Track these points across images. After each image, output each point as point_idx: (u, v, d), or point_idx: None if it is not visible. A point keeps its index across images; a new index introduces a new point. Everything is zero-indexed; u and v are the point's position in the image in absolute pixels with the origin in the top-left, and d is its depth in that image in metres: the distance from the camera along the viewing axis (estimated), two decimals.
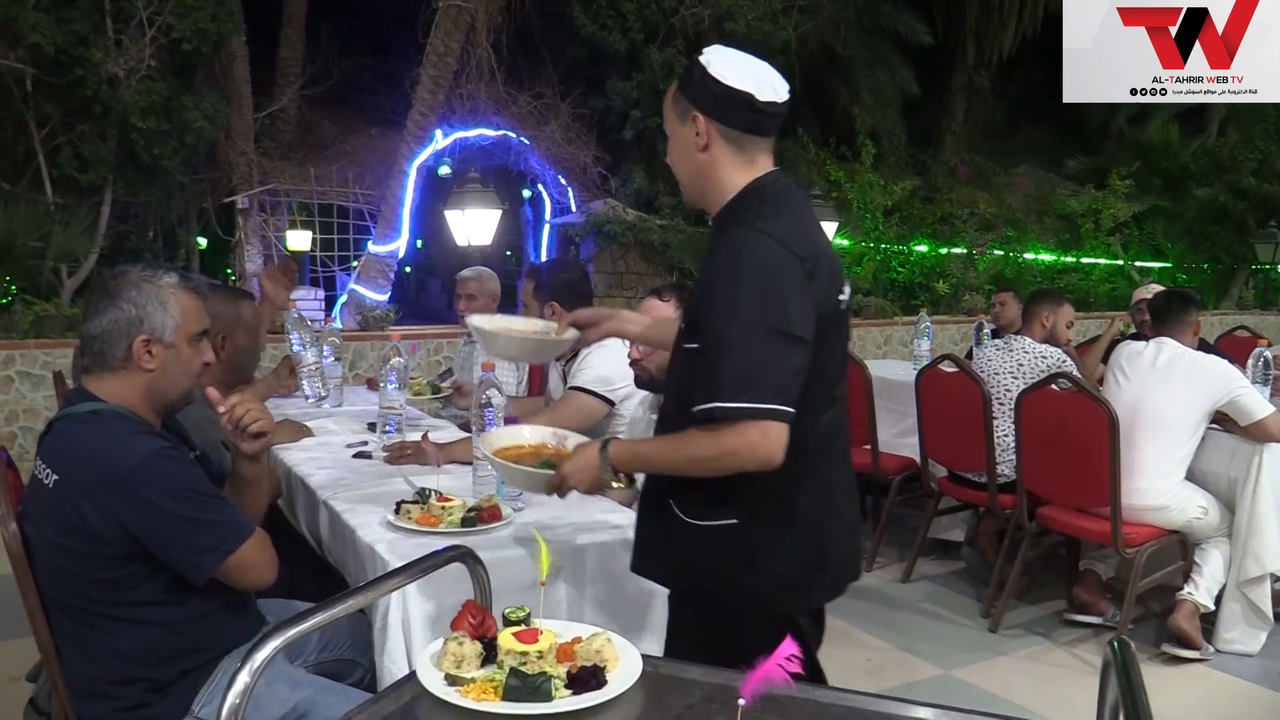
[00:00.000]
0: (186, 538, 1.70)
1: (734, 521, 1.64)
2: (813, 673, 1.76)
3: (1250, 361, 3.89)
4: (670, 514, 1.69)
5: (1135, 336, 4.71)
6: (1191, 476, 3.55)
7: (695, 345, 1.63)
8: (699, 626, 1.75)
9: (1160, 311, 3.72)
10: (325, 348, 3.39)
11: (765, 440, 1.51)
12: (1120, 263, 12.01)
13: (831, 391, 1.70)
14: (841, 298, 1.70)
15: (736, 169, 1.67)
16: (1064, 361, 3.92)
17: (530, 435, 2.04)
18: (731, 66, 1.63)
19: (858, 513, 1.85)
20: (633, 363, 2.58)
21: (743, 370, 1.52)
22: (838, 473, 1.76)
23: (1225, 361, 3.55)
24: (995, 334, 5.11)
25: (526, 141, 9.75)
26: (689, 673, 1.38)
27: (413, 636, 1.83)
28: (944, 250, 10.82)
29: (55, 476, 1.70)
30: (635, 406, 2.91)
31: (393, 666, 1.83)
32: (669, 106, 1.72)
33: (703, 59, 1.64)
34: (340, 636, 2.12)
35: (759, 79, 1.63)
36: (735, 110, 1.63)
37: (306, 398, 3.11)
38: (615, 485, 1.73)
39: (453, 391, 3.69)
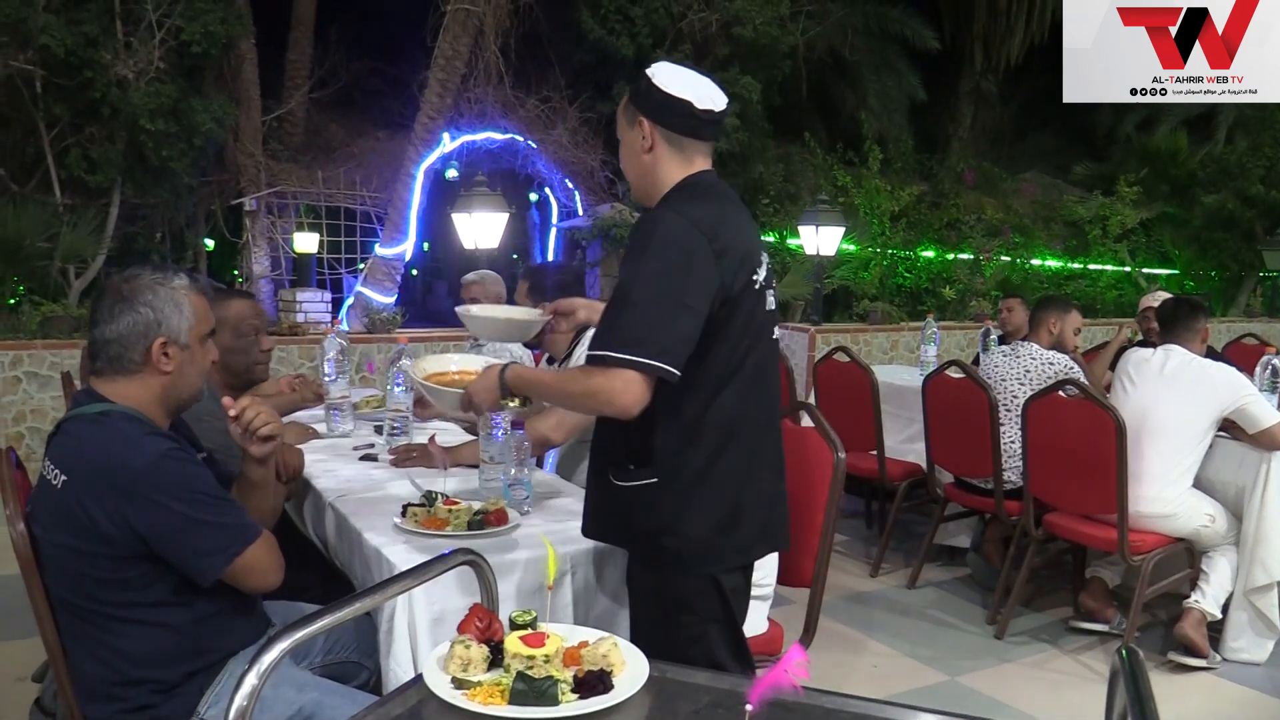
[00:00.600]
0: (194, 539, 1.70)
1: (654, 481, 1.80)
2: (734, 637, 1.88)
3: (1258, 369, 3.87)
4: (605, 478, 1.87)
5: (1143, 344, 4.70)
6: (1199, 484, 3.54)
7: None
8: (639, 583, 1.90)
9: (1168, 319, 3.71)
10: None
11: (627, 389, 1.65)
12: (1127, 269, 11.97)
13: (746, 366, 1.82)
14: (756, 278, 1.83)
15: (675, 167, 1.86)
16: (1071, 368, 3.91)
17: (456, 364, 2.27)
18: (674, 78, 1.83)
19: (782, 489, 1.96)
20: None
21: (632, 326, 1.67)
22: (761, 448, 1.89)
23: (1233, 369, 3.54)
24: (1002, 340, 5.09)
25: (534, 145, 9.76)
26: (695, 677, 1.38)
27: (419, 640, 1.83)
28: (951, 256, 10.79)
29: (64, 477, 1.70)
30: None
31: (398, 669, 1.83)
32: (621, 114, 1.91)
33: (649, 72, 1.84)
34: (346, 639, 2.12)
35: (699, 90, 1.82)
36: (675, 116, 1.82)
37: (331, 430, 3.09)
38: (510, 404, 1.92)
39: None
